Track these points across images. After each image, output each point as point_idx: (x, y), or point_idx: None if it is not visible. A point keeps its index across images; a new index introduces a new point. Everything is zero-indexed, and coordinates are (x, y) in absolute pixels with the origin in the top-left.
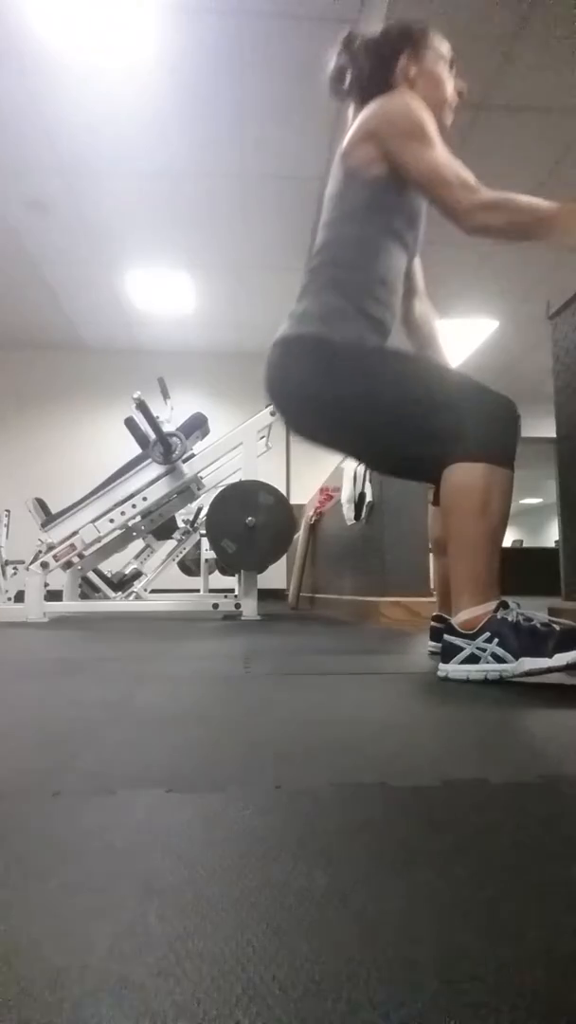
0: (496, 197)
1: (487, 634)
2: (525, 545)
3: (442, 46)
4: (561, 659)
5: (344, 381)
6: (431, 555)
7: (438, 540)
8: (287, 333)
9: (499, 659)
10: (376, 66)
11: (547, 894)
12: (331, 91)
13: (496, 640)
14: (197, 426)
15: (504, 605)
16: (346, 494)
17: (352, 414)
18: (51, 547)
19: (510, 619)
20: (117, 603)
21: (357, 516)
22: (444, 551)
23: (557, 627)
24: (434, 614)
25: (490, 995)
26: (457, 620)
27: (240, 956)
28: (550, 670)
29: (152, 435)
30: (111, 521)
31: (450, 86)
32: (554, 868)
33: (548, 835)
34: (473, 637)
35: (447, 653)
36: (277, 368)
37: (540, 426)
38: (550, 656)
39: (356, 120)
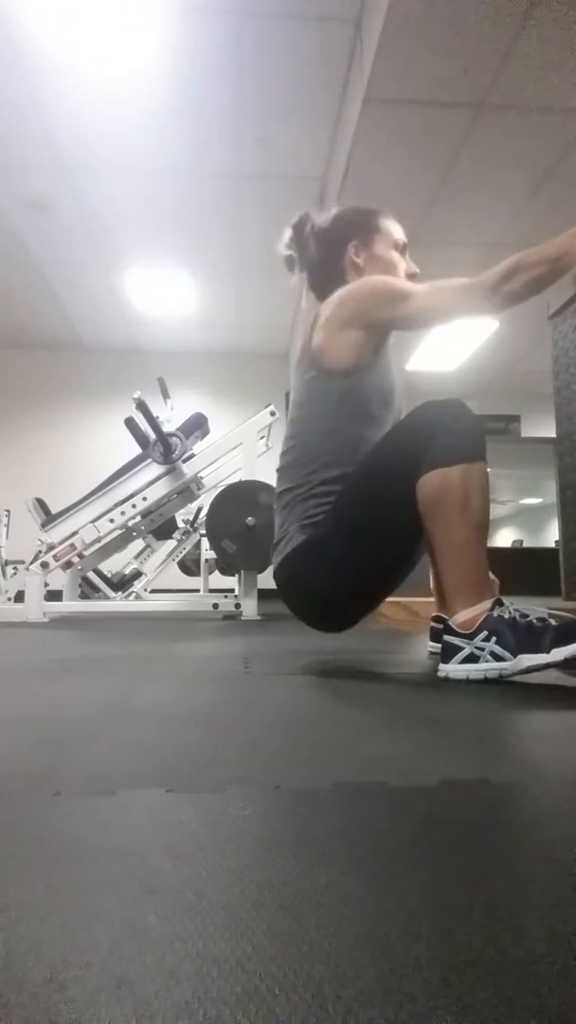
0: (500, 269)
1: (485, 633)
2: (525, 545)
3: (393, 230)
4: (559, 653)
5: (329, 554)
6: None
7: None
8: (278, 562)
9: (498, 657)
10: (324, 254)
11: (547, 893)
12: (287, 270)
13: (494, 638)
14: (197, 426)
15: (499, 603)
16: None
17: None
18: (51, 547)
19: (506, 616)
20: (117, 603)
21: None
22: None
23: (553, 622)
24: (433, 615)
25: (490, 994)
26: (455, 621)
27: (240, 956)
28: (548, 665)
29: (152, 435)
30: (111, 521)
31: (401, 270)
32: (554, 868)
33: (548, 835)
34: (471, 637)
35: (447, 653)
36: (284, 590)
37: (540, 426)
38: (548, 651)
39: (322, 315)
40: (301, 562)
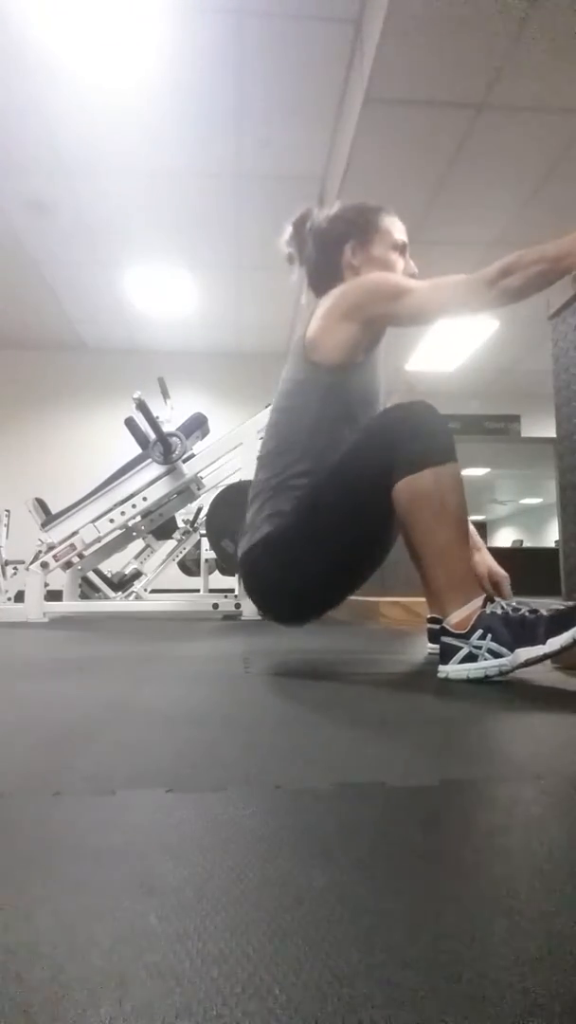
0: (499, 265)
1: (479, 631)
2: (525, 545)
3: (394, 229)
4: (555, 643)
5: (297, 551)
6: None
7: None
8: (244, 548)
9: (495, 654)
10: (322, 254)
11: (547, 893)
12: (287, 263)
13: (489, 635)
14: (197, 426)
15: (490, 599)
16: None
17: (319, 564)
18: (51, 547)
19: (499, 612)
20: (117, 603)
21: None
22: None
23: (545, 612)
24: (429, 616)
25: (491, 994)
26: (449, 622)
27: (240, 956)
28: (546, 656)
29: (152, 435)
30: (111, 521)
31: (399, 270)
32: (554, 867)
33: (548, 835)
34: (467, 636)
35: (445, 654)
36: (247, 581)
37: (540, 426)
38: (543, 642)
39: (319, 310)
40: (266, 554)
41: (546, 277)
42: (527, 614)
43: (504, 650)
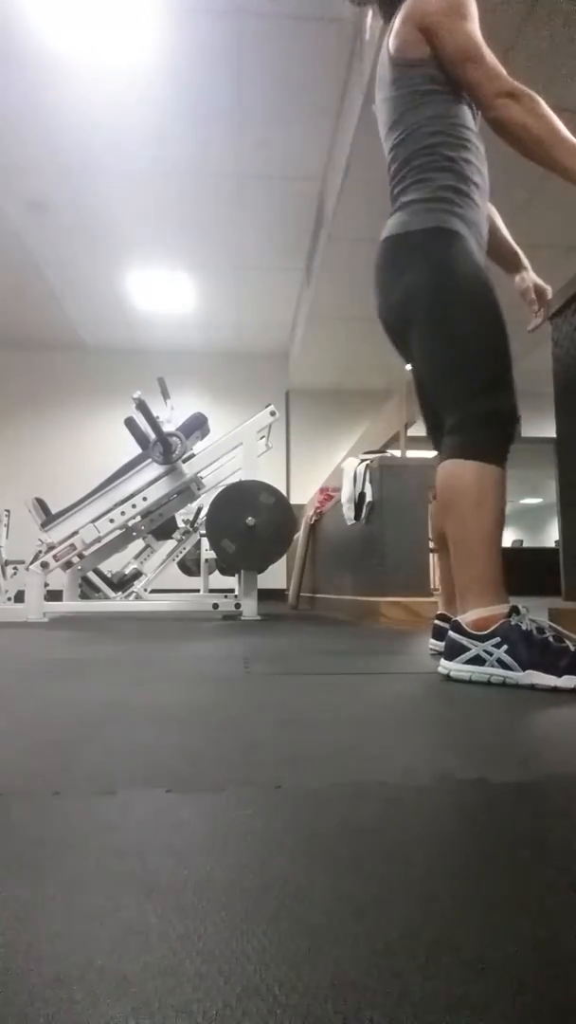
0: (526, 91)
1: (497, 639)
2: (525, 545)
3: None
4: (570, 681)
5: (446, 270)
6: (432, 554)
7: (438, 535)
8: (391, 232)
9: (505, 666)
10: None
11: (547, 893)
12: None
13: (505, 647)
14: (197, 426)
15: (515, 610)
16: (346, 494)
17: (421, 302)
18: (51, 547)
19: (523, 627)
20: (117, 603)
21: (357, 516)
22: (445, 546)
23: (572, 646)
24: (438, 612)
25: (491, 994)
26: (466, 619)
27: (240, 956)
28: (556, 689)
29: (152, 435)
30: (111, 521)
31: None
32: (554, 867)
33: (548, 835)
34: (482, 639)
35: (451, 650)
36: (377, 270)
37: (540, 426)
38: (560, 675)
39: (397, 17)
40: (398, 250)
41: (541, 146)
42: (551, 640)
43: (516, 665)
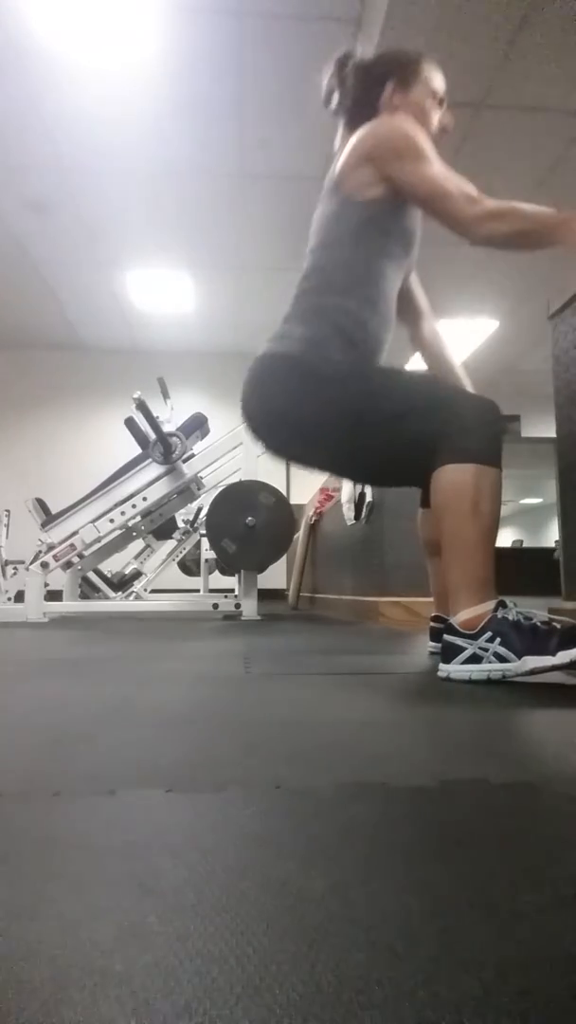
0: (501, 206)
1: (489, 633)
2: (525, 545)
3: (434, 79)
4: (565, 656)
5: (320, 400)
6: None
7: (428, 542)
8: (265, 351)
9: (502, 658)
10: (362, 91)
11: (547, 893)
12: (324, 106)
13: (498, 639)
14: (197, 426)
15: (503, 604)
16: (346, 494)
17: (328, 431)
18: (51, 547)
19: (511, 618)
20: (117, 603)
21: (357, 516)
22: (437, 552)
23: (557, 625)
24: (433, 614)
25: (491, 994)
26: (457, 620)
27: (240, 956)
28: (554, 668)
29: (152, 435)
30: (111, 521)
31: (435, 119)
32: (554, 867)
33: (548, 835)
34: (475, 637)
35: (448, 653)
36: (251, 384)
37: (540, 426)
38: (553, 654)
39: (348, 145)
40: (283, 371)
41: (531, 239)
42: (539, 624)
43: (512, 656)
